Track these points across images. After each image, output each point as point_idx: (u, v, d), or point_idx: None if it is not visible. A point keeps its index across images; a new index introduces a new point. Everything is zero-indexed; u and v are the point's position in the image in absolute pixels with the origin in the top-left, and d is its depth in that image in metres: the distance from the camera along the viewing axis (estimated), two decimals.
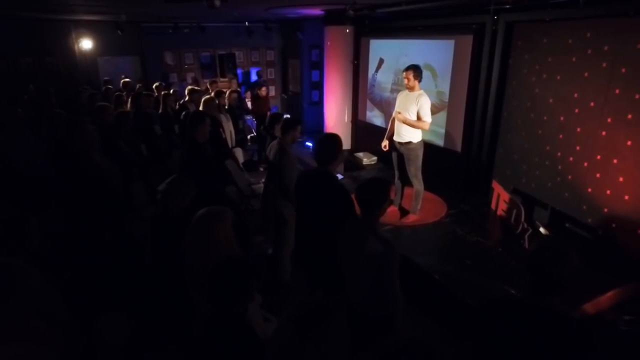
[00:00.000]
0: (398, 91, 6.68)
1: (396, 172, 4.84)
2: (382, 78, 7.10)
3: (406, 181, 4.77)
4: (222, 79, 9.89)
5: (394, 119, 4.61)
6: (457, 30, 5.44)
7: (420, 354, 0.86)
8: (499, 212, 4.81)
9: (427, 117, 4.32)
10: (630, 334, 3.04)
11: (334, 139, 2.73)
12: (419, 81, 4.33)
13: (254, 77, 10.66)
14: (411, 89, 4.35)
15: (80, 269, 2.86)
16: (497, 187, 4.94)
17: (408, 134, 4.43)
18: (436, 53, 5.84)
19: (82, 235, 3.34)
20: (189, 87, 6.63)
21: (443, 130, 5.95)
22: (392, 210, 4.99)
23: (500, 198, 4.81)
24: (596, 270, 3.65)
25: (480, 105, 5.25)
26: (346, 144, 8.57)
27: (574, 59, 4.16)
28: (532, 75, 4.61)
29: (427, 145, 5.97)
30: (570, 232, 4.33)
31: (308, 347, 1.10)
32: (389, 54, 6.82)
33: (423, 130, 4.45)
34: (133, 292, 2.97)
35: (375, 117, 7.48)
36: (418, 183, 4.62)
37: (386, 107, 6.94)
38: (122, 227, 3.57)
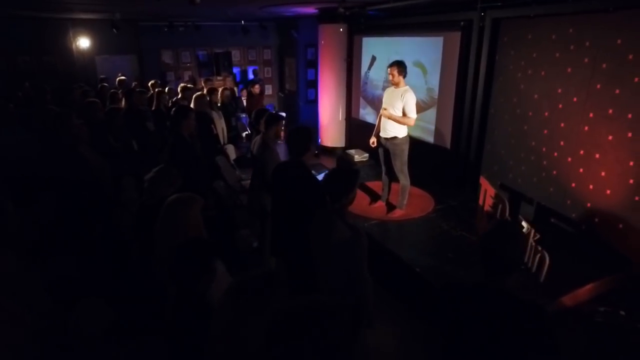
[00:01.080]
0: None
1: (383, 168, 4.89)
2: (374, 76, 7.14)
3: (393, 177, 4.81)
4: (218, 77, 9.97)
5: (381, 115, 4.66)
6: (445, 27, 5.48)
7: (321, 313, 0.91)
8: (486, 207, 4.85)
9: (412, 113, 4.35)
10: (604, 325, 3.07)
11: (306, 131, 2.78)
12: (404, 77, 4.37)
13: (251, 76, 10.75)
14: (396, 84, 4.40)
15: (64, 258, 2.92)
16: (484, 183, 4.98)
17: (393, 130, 4.47)
18: (426, 50, 5.88)
19: (69, 226, 3.41)
20: (182, 84, 6.71)
21: (433, 127, 5.99)
22: (379, 205, 5.06)
23: (487, 193, 4.85)
24: (580, 264, 3.70)
25: (468, 102, 5.29)
26: (340, 142, 8.62)
27: (557, 55, 4.19)
28: (517, 71, 4.65)
29: (417, 142, 6.04)
30: (556, 227, 4.37)
31: (247, 317, 1.15)
32: (381, 52, 6.86)
33: (408, 125, 4.49)
34: (115, 281, 3.03)
35: (367, 115, 7.52)
36: (404, 178, 4.66)
37: (378, 105, 6.91)
38: (108, 219, 3.64)
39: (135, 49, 9.59)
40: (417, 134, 6.28)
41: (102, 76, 8.22)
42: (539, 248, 3.60)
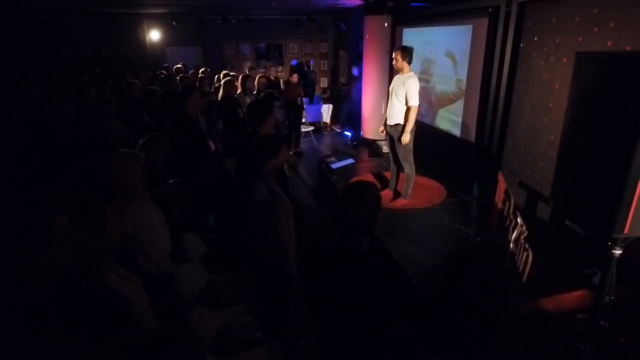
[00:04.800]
0: (425, 80, 6.58)
1: (391, 156, 4.83)
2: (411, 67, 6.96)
3: (401, 165, 4.72)
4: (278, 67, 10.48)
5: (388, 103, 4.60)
6: (474, 14, 5.21)
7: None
8: (499, 204, 4.55)
9: (413, 100, 4.24)
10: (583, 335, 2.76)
11: (261, 103, 2.92)
12: (408, 62, 4.29)
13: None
14: (400, 70, 4.32)
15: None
16: (500, 179, 4.67)
17: (397, 116, 4.40)
18: (457, 40, 5.64)
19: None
20: (224, 71, 7.19)
21: (460, 120, 5.72)
22: (386, 193, 4.99)
23: (500, 190, 4.55)
24: (588, 269, 3.36)
25: (492, 93, 4.98)
26: (381, 135, 8.51)
27: (580, 39, 3.80)
28: (540, 58, 4.28)
29: (444, 135, 5.85)
30: (570, 229, 3.98)
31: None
32: (416, 43, 6.62)
33: (412, 113, 4.37)
34: None
35: None
36: (409, 167, 4.56)
37: None
38: None
39: (200, 41, 10.42)
40: (445, 126, 6.07)
41: (165, 65, 9.10)
42: (526, 246, 3.33)
